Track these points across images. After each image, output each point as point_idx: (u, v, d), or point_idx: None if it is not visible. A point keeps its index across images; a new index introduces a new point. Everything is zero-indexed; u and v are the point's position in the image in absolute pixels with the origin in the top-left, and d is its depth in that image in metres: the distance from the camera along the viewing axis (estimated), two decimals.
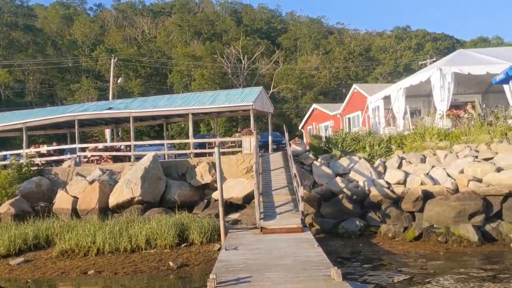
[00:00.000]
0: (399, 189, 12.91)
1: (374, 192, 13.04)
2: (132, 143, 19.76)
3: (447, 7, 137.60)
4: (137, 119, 21.57)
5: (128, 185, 15.18)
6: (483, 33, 79.99)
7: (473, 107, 18.86)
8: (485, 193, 11.44)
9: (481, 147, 13.63)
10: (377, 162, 14.62)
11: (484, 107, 18.56)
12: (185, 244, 11.23)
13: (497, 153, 13.04)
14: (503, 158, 12.60)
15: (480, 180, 12.07)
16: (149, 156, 16.47)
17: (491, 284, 7.75)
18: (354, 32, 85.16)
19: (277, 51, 59.53)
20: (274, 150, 19.59)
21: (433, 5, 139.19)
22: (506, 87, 18.27)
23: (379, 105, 22.95)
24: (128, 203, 14.94)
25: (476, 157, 13.21)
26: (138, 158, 17.97)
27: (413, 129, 16.94)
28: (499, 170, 12.18)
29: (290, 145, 16.07)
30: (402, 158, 14.41)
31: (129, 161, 18.71)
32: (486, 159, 12.93)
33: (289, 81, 57.15)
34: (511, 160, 12.39)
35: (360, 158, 14.90)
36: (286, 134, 17.61)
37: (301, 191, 11.03)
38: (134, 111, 19.91)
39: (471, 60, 19.88)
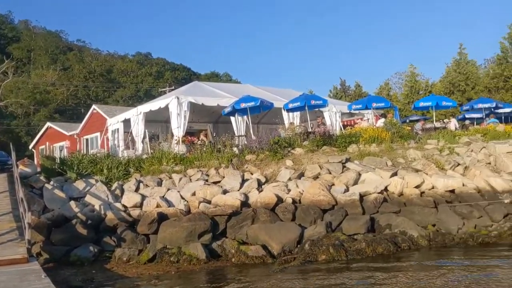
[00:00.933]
0: (135, 212, 12.98)
1: (110, 216, 12.77)
2: None
3: (185, 40, 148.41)
4: None
5: None
6: (215, 69, 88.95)
7: (206, 134, 20.66)
8: (213, 213, 12.53)
9: (211, 171, 14.97)
10: (115, 185, 14.42)
11: (214, 135, 20.52)
12: None
13: (224, 177, 14.54)
14: (228, 182, 14.13)
15: (209, 202, 13.20)
16: None
17: None
18: (95, 51, 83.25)
19: (6, 61, 52.99)
20: None
21: (172, 37, 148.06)
22: (232, 118, 20.74)
23: (119, 127, 22.89)
24: None
25: (207, 180, 14.45)
26: None
27: (151, 153, 17.43)
28: (225, 192, 13.59)
29: (17, 166, 14.40)
30: (139, 181, 14.60)
31: None
32: (215, 182, 14.28)
33: (20, 95, 51.66)
34: (235, 183, 14.00)
35: (97, 181, 14.45)
36: (13, 154, 15.72)
37: (28, 218, 9.92)
38: None
39: (205, 92, 21.89)
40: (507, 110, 25.33)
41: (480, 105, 23.66)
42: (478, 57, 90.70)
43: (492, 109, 24.28)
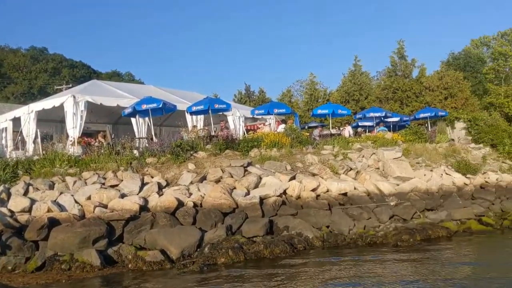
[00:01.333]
0: (23, 218, 12.06)
1: None
2: None
3: (85, 36, 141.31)
4: None
5: None
6: (117, 68, 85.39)
7: (104, 136, 19.81)
8: (109, 218, 12.03)
9: (108, 174, 14.39)
10: (1, 188, 13.27)
11: (113, 136, 19.76)
12: None
13: (122, 180, 14.06)
14: (127, 185, 13.67)
15: (105, 206, 12.66)
16: None
17: None
18: None
19: None
20: None
21: (71, 32, 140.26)
22: (133, 120, 20.16)
23: (7, 126, 21.27)
24: None
25: (104, 184, 13.86)
26: None
27: (43, 154, 16.36)
28: (123, 196, 13.13)
29: None
30: (29, 185, 13.61)
31: None
32: (113, 186, 13.73)
33: None
34: (134, 187, 13.60)
35: None
36: None
37: None
38: None
39: (104, 92, 21.05)
40: (395, 119, 27.50)
41: (372, 114, 25.38)
42: (371, 69, 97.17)
43: (382, 118, 26.16)
